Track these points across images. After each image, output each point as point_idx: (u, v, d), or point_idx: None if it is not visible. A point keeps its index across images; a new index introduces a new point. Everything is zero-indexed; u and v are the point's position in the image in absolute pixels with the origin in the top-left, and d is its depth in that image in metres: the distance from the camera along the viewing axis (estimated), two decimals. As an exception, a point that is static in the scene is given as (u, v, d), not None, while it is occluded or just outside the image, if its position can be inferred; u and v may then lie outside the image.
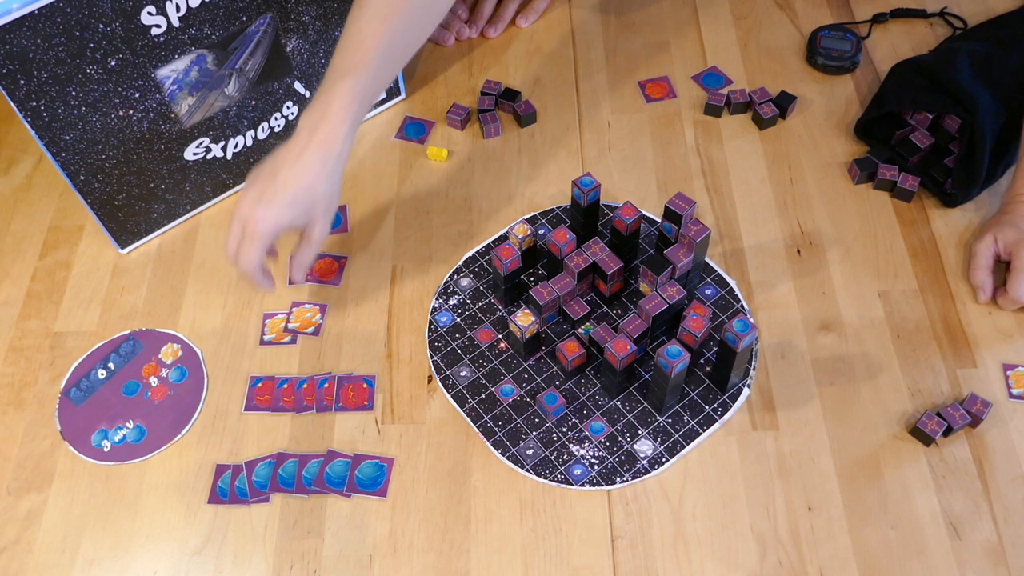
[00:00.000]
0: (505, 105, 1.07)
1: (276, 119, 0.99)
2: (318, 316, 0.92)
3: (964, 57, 0.99)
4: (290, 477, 0.82)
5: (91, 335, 0.92)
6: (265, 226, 0.80)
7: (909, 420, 0.83)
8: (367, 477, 0.81)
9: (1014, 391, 0.84)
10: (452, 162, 1.04)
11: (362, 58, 0.80)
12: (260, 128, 0.98)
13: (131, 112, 0.87)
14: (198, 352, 0.90)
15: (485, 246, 0.96)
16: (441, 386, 0.87)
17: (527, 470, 0.81)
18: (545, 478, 0.81)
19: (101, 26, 0.79)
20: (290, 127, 1.00)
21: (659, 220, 0.94)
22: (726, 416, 0.84)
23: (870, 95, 1.05)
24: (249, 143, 0.98)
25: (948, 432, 0.81)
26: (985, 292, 0.89)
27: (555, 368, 0.87)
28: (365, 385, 0.87)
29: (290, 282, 0.92)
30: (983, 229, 0.92)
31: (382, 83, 0.84)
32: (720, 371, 0.84)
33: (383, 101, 1.08)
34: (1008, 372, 0.85)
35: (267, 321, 0.92)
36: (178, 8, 0.83)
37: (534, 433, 0.83)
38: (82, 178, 0.89)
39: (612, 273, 0.87)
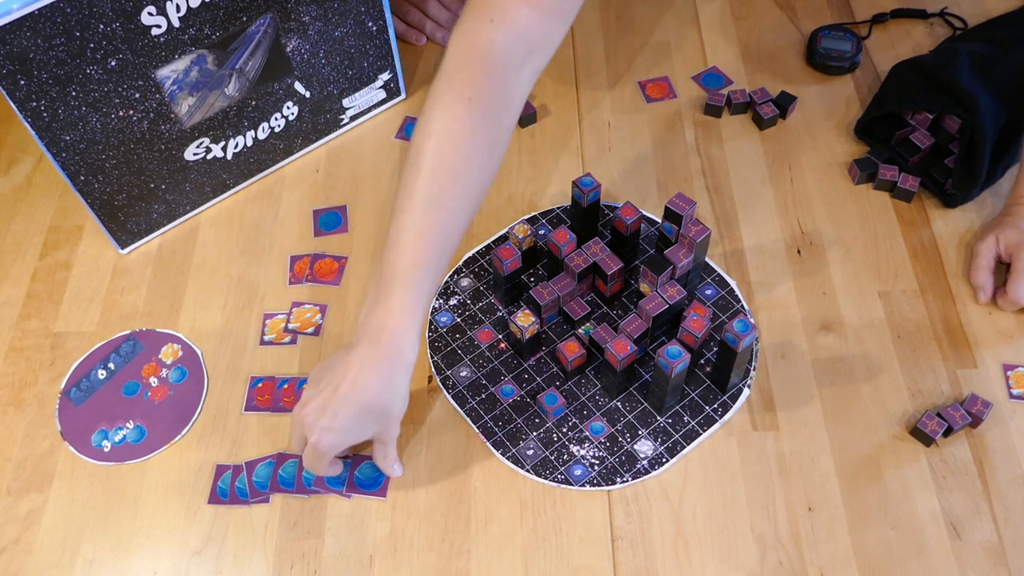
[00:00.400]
0: (505, 105, 1.07)
1: (276, 119, 0.99)
2: (318, 316, 0.92)
3: (964, 57, 0.99)
4: (290, 477, 0.82)
5: (91, 335, 0.92)
6: (329, 446, 0.74)
7: (909, 420, 0.83)
8: (367, 477, 0.81)
9: (1014, 391, 0.84)
10: (452, 162, 1.04)
11: (422, 255, 0.74)
12: (260, 128, 0.98)
13: (131, 112, 0.87)
14: (198, 352, 0.90)
15: (485, 246, 0.96)
16: (441, 386, 0.87)
17: (527, 470, 0.81)
18: (545, 478, 0.81)
19: (101, 26, 0.79)
20: (290, 127, 1.00)
21: (659, 220, 0.94)
22: (726, 416, 0.84)
23: (870, 95, 1.05)
24: (249, 143, 0.98)
25: (948, 432, 0.81)
26: (985, 293, 0.89)
27: (555, 368, 0.87)
28: (365, 385, 0.87)
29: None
30: (985, 230, 0.92)
31: (441, 273, 0.77)
32: (720, 371, 0.84)
33: (383, 101, 1.08)
34: (1008, 372, 0.85)
35: (267, 321, 0.92)
36: (178, 8, 0.83)
37: (534, 433, 0.83)
38: (82, 178, 0.89)
39: (612, 273, 0.87)
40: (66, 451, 0.85)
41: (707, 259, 0.93)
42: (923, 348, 0.87)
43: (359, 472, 0.82)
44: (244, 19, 0.88)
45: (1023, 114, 0.95)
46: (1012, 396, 0.84)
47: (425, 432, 0.84)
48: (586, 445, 0.83)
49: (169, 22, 0.83)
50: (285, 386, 0.87)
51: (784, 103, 1.05)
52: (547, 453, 0.82)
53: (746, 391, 0.85)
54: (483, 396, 0.86)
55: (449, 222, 0.76)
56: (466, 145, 0.76)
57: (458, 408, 0.85)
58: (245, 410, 0.86)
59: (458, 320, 0.91)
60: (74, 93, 0.82)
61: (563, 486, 0.81)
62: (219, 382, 0.88)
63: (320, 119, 1.03)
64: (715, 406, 0.84)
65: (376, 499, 0.80)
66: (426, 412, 0.85)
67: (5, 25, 0.74)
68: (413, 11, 1.16)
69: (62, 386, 0.89)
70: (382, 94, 1.07)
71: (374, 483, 0.81)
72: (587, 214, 0.92)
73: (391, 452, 0.79)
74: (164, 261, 0.97)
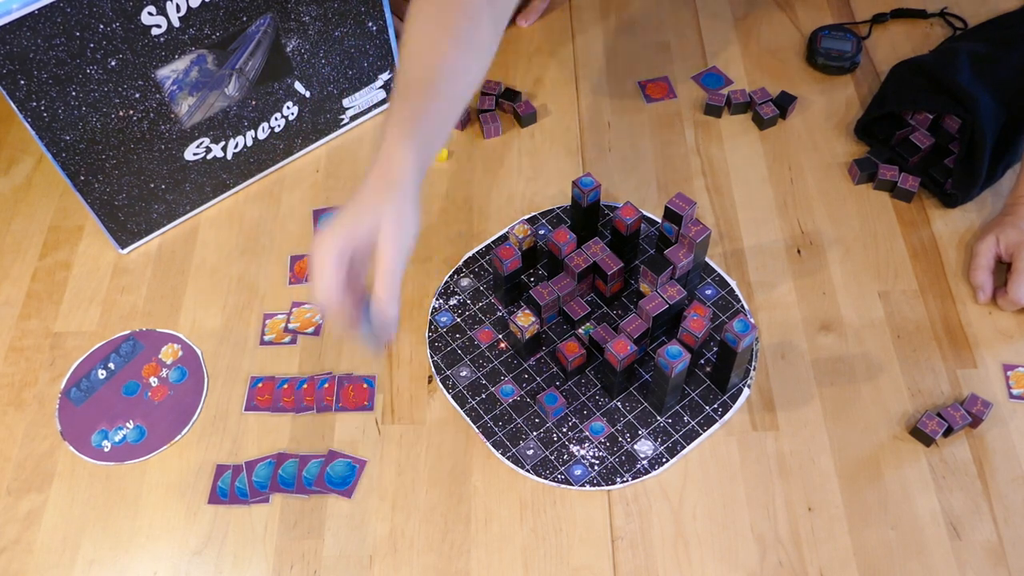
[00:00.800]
0: (505, 105, 1.07)
1: (276, 119, 0.99)
2: (318, 316, 0.92)
3: (964, 57, 0.99)
4: (290, 477, 0.82)
5: (91, 335, 0.92)
6: (321, 245, 0.69)
7: (909, 420, 0.83)
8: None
9: (1014, 391, 0.84)
10: (452, 162, 1.04)
11: (411, 84, 0.76)
12: (260, 128, 0.98)
13: (131, 112, 0.87)
14: (198, 352, 0.90)
15: (485, 246, 0.96)
16: (441, 386, 0.87)
17: (527, 470, 0.81)
18: (545, 478, 0.81)
19: (101, 26, 0.79)
20: (290, 127, 1.00)
21: (659, 220, 0.94)
22: (726, 416, 0.84)
23: (870, 95, 1.05)
24: (249, 143, 0.98)
25: (948, 432, 0.81)
26: (985, 292, 0.89)
27: (555, 368, 0.87)
28: (365, 385, 0.87)
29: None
30: (985, 229, 0.92)
31: (440, 108, 0.77)
32: (720, 371, 0.84)
33: (383, 101, 1.08)
34: (1008, 372, 0.85)
35: (267, 321, 0.92)
36: (178, 8, 0.83)
37: (534, 433, 0.83)
38: (82, 178, 0.89)
39: (612, 273, 0.87)
40: (66, 451, 0.85)
41: (707, 259, 0.93)
42: (923, 348, 0.87)
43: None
44: (244, 19, 0.88)
45: (1023, 114, 0.95)
46: (1012, 396, 0.84)
47: (425, 432, 0.84)
48: (586, 445, 0.83)
49: (169, 22, 0.83)
50: (285, 386, 0.87)
51: (784, 103, 1.05)
52: (547, 453, 0.82)
53: (746, 391, 0.85)
54: (483, 396, 0.86)
55: (444, 58, 0.77)
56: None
57: (458, 408, 0.85)
58: (245, 410, 0.86)
59: (458, 320, 0.91)
60: (74, 93, 0.82)
61: (563, 486, 0.81)
62: (219, 382, 0.88)
63: (320, 119, 1.03)
64: (715, 406, 0.84)
65: (376, 499, 0.80)
66: (426, 412, 0.85)
67: (5, 25, 0.74)
68: (413, 11, 1.16)
69: (62, 386, 0.89)
70: (382, 94, 1.07)
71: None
72: (587, 214, 0.92)
73: (381, 286, 0.69)
74: (164, 261, 0.97)
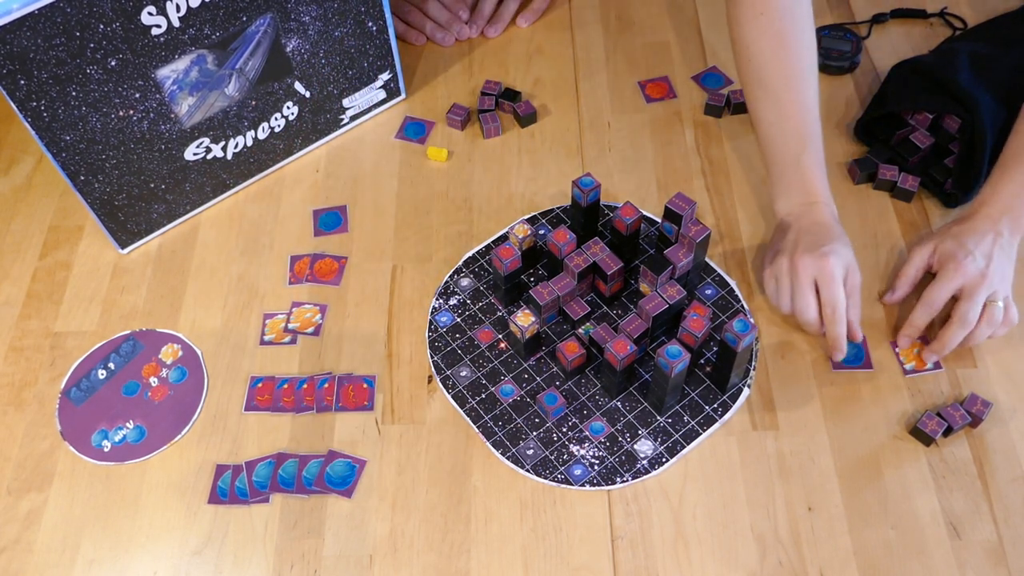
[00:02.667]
0: (505, 105, 1.07)
1: (276, 119, 0.99)
2: (318, 316, 0.92)
3: (964, 57, 0.99)
4: (290, 477, 0.82)
5: (91, 335, 0.92)
6: (837, 265, 0.81)
7: (909, 420, 0.83)
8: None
9: (907, 366, 0.86)
10: (452, 162, 1.04)
11: (807, 126, 0.88)
12: (260, 128, 0.98)
13: (131, 112, 0.87)
14: (198, 352, 0.90)
15: (485, 246, 0.96)
16: (441, 386, 0.87)
17: (527, 470, 0.81)
18: (545, 478, 0.81)
19: (101, 26, 0.79)
20: (290, 127, 1.00)
21: (659, 220, 0.94)
22: (726, 416, 0.84)
23: (870, 95, 1.05)
24: (249, 143, 0.99)
25: (948, 432, 0.81)
26: (894, 297, 0.88)
27: (555, 368, 0.87)
28: (365, 385, 0.87)
29: (857, 338, 0.85)
30: (926, 237, 0.89)
31: (818, 134, 0.90)
32: (720, 371, 0.84)
33: (383, 101, 1.08)
34: (896, 349, 0.87)
35: (267, 321, 0.92)
36: (178, 8, 0.83)
37: (534, 433, 0.83)
38: (82, 178, 0.89)
39: (612, 273, 0.87)
40: (66, 451, 0.85)
41: (707, 259, 0.93)
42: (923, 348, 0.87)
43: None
44: (244, 19, 0.88)
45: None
46: (906, 372, 0.85)
47: (425, 432, 0.84)
48: (586, 445, 0.83)
49: (169, 22, 0.83)
50: (285, 386, 0.87)
51: (784, 103, 1.04)
52: (547, 453, 0.82)
53: (746, 391, 0.85)
54: (483, 396, 0.86)
55: (811, 97, 0.90)
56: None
57: (458, 408, 0.85)
58: (245, 410, 0.86)
59: (458, 320, 0.91)
60: (74, 93, 0.82)
61: (563, 486, 0.81)
62: (219, 382, 0.88)
63: (320, 119, 1.03)
64: (715, 406, 0.84)
65: (376, 499, 0.80)
66: (426, 412, 0.85)
67: (5, 25, 0.74)
68: (413, 11, 1.16)
69: (62, 386, 0.89)
70: (382, 94, 1.07)
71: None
72: (587, 214, 0.92)
73: (856, 306, 0.84)
74: (164, 261, 0.97)
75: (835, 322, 0.82)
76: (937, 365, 0.85)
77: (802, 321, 0.84)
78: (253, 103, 0.95)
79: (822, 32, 1.10)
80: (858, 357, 0.86)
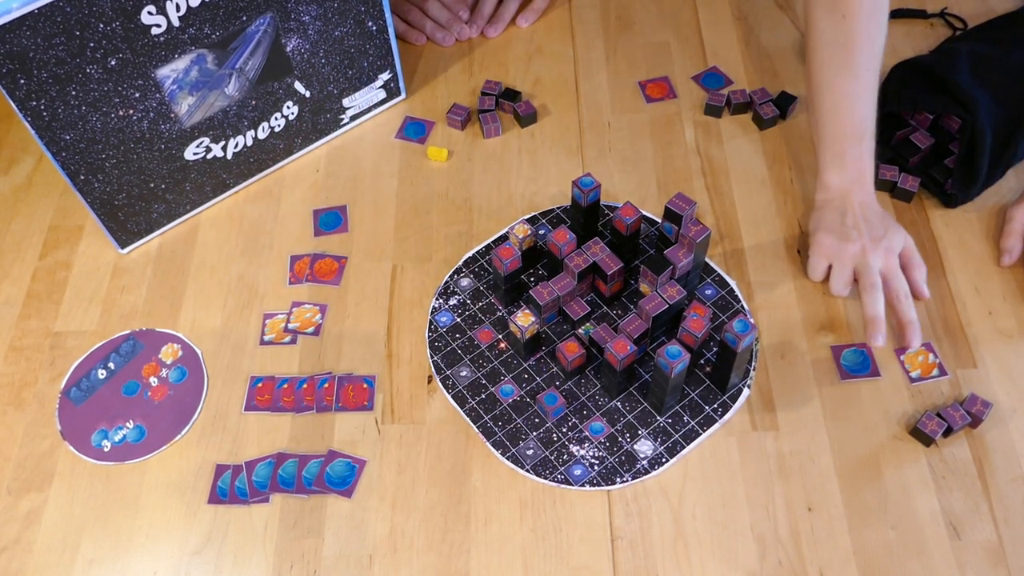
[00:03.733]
0: (505, 105, 1.07)
1: (276, 119, 0.99)
2: (318, 316, 0.92)
3: (964, 57, 0.99)
4: (290, 477, 0.82)
5: (91, 335, 0.92)
6: (894, 257, 0.88)
7: (909, 420, 0.83)
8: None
9: (912, 374, 0.86)
10: (452, 162, 1.04)
11: (868, 123, 0.91)
12: (260, 128, 0.98)
13: (131, 112, 0.87)
14: (198, 352, 0.90)
15: (485, 246, 0.96)
16: (441, 386, 0.87)
17: (527, 470, 0.81)
18: (545, 478, 0.81)
19: (101, 26, 0.79)
20: (290, 127, 1.00)
21: (659, 220, 0.94)
22: (726, 416, 0.84)
23: (870, 95, 1.05)
24: (249, 143, 0.99)
25: (948, 432, 0.81)
26: (1011, 257, 0.91)
27: (555, 368, 0.87)
28: (365, 385, 0.87)
29: (925, 296, 0.90)
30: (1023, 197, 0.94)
31: (872, 120, 0.92)
32: (720, 371, 0.84)
33: (383, 101, 1.08)
34: (901, 356, 0.86)
35: (267, 321, 0.92)
36: (178, 8, 0.83)
37: (534, 433, 0.83)
38: (82, 178, 0.89)
39: (612, 273, 0.87)
40: (66, 451, 0.85)
41: (707, 259, 0.93)
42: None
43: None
44: (244, 19, 0.88)
45: (1023, 114, 0.95)
46: (912, 380, 0.85)
47: (425, 432, 0.84)
48: (586, 445, 0.83)
49: (169, 21, 0.83)
50: (285, 386, 0.87)
51: (784, 103, 1.05)
52: (547, 453, 0.82)
53: (746, 391, 0.85)
54: (483, 396, 0.86)
55: (869, 92, 0.92)
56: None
57: (458, 408, 0.85)
58: (245, 410, 0.86)
59: (458, 320, 0.91)
60: (74, 92, 0.82)
61: (563, 486, 0.81)
62: (219, 382, 0.88)
63: (320, 119, 1.03)
64: (715, 406, 0.84)
65: (376, 499, 0.80)
66: (426, 412, 0.85)
67: (5, 25, 0.74)
68: (413, 11, 1.16)
69: (62, 386, 0.89)
70: (382, 94, 1.07)
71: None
72: (587, 214, 0.92)
73: (922, 270, 0.89)
74: (164, 261, 0.97)
75: (909, 308, 0.87)
76: (942, 371, 0.85)
77: (868, 314, 0.86)
78: (253, 103, 0.95)
79: (822, 32, 1.10)
80: (864, 366, 0.86)
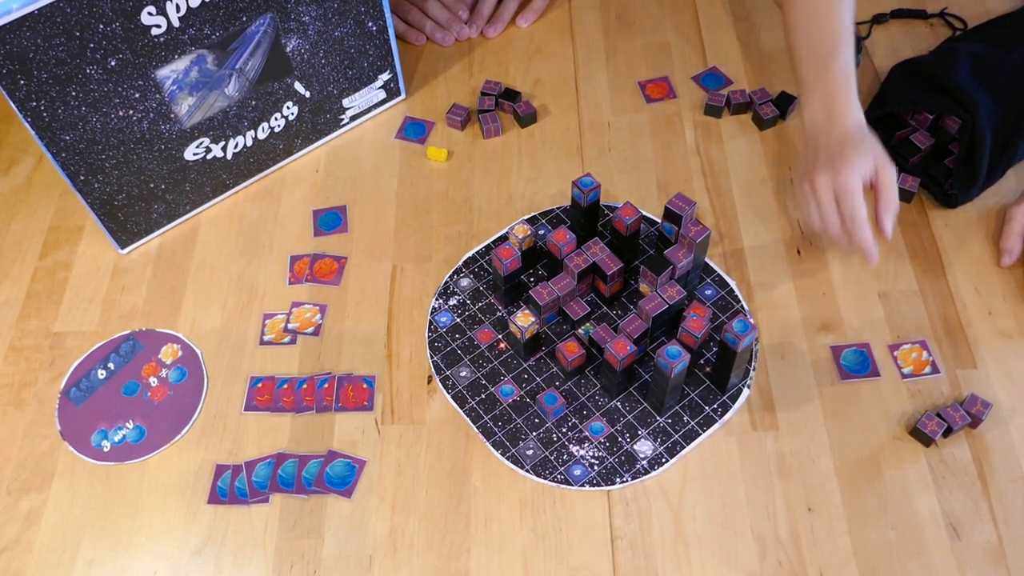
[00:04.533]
0: (505, 105, 1.07)
1: (276, 119, 0.99)
2: (318, 316, 0.92)
3: (964, 57, 0.99)
4: (290, 477, 0.82)
5: (91, 335, 0.92)
6: (852, 176, 0.82)
7: (909, 420, 0.83)
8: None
9: (904, 370, 0.85)
10: (452, 162, 1.04)
11: (837, 31, 0.89)
12: (260, 128, 0.98)
13: (131, 112, 0.87)
14: (198, 352, 0.90)
15: (485, 246, 0.96)
16: (441, 386, 0.87)
17: (527, 470, 0.81)
18: (545, 478, 0.81)
19: (101, 26, 0.79)
20: (290, 127, 1.00)
21: (659, 220, 0.94)
22: (726, 416, 0.84)
23: (870, 95, 1.05)
24: (249, 143, 0.99)
25: (948, 433, 0.81)
26: (1012, 256, 0.91)
27: (555, 368, 0.87)
28: (365, 385, 0.87)
29: (885, 234, 0.85)
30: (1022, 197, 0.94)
31: (850, 53, 0.90)
32: (720, 371, 0.84)
33: (383, 101, 1.08)
34: (895, 352, 0.86)
35: (267, 321, 0.92)
36: (178, 8, 0.83)
37: (534, 433, 0.83)
38: (82, 178, 0.89)
39: (612, 273, 0.87)
40: (66, 451, 0.85)
41: (707, 259, 0.93)
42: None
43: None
44: (244, 19, 0.88)
45: (1023, 114, 0.95)
46: (904, 376, 0.85)
47: (425, 432, 0.84)
48: (586, 445, 0.83)
49: (169, 22, 0.83)
50: (285, 386, 0.87)
51: (784, 103, 1.05)
52: (547, 453, 0.82)
53: (746, 391, 0.85)
54: (483, 396, 0.86)
55: (843, 9, 0.90)
56: None
57: (458, 408, 0.85)
58: (245, 410, 0.86)
59: (458, 320, 0.91)
60: (74, 93, 0.82)
61: (563, 486, 0.81)
62: (219, 382, 0.88)
63: (320, 119, 1.03)
64: (715, 406, 0.84)
65: (376, 499, 0.81)
66: (426, 412, 0.85)
67: (5, 25, 0.74)
68: (413, 11, 1.16)
69: (62, 386, 0.89)
70: (382, 94, 1.07)
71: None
72: (587, 214, 0.92)
73: (893, 197, 0.84)
74: (164, 261, 0.97)
75: (856, 229, 0.83)
76: (935, 369, 0.85)
77: (831, 237, 0.85)
78: (253, 103, 0.95)
79: (822, 32, 1.10)
80: (864, 366, 0.86)
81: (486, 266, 0.95)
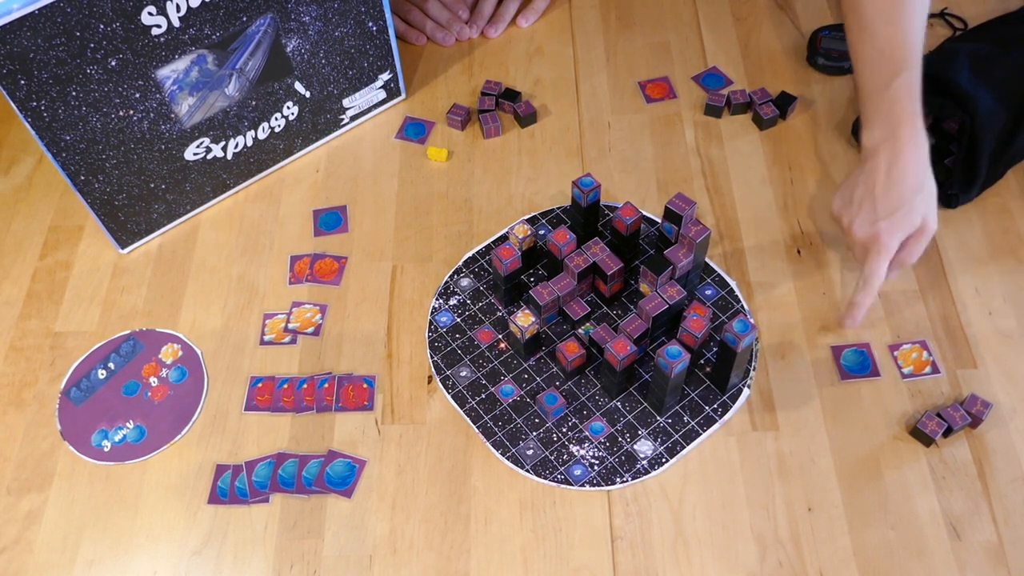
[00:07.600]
0: (505, 105, 1.07)
1: (276, 119, 0.99)
2: (318, 316, 0.92)
3: (964, 57, 0.99)
4: (290, 477, 0.82)
5: (91, 335, 0.92)
6: (891, 241, 0.82)
7: (909, 420, 0.83)
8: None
9: (904, 370, 0.85)
10: (452, 162, 1.04)
11: (903, 55, 0.84)
12: (260, 128, 0.98)
13: (131, 112, 0.87)
14: (198, 352, 0.90)
15: (485, 246, 0.96)
16: (441, 386, 0.87)
17: (527, 470, 0.81)
18: (545, 478, 0.81)
19: (101, 26, 0.79)
20: (290, 127, 1.00)
21: (659, 220, 0.94)
22: (726, 416, 0.84)
23: (870, 95, 1.05)
24: (249, 143, 0.99)
25: (948, 433, 0.81)
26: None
27: (555, 368, 0.87)
28: (365, 385, 0.87)
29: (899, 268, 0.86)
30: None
31: (918, 67, 0.85)
32: (720, 371, 0.84)
33: (383, 101, 1.08)
34: (895, 352, 0.86)
35: (267, 321, 0.92)
36: (178, 8, 0.83)
37: (534, 433, 0.83)
38: (82, 178, 0.89)
39: (612, 273, 0.87)
40: (66, 451, 0.85)
41: (707, 259, 0.93)
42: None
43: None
44: (244, 19, 0.88)
45: (1023, 114, 0.95)
46: (904, 376, 0.85)
47: (425, 432, 0.84)
48: (586, 445, 0.83)
49: (169, 22, 0.83)
50: (285, 386, 0.87)
51: (784, 103, 1.05)
52: (547, 453, 0.82)
53: (746, 391, 0.85)
54: (483, 396, 0.86)
55: (914, 21, 0.85)
56: None
57: (458, 408, 0.85)
58: (245, 410, 0.86)
59: (458, 320, 0.91)
60: (74, 93, 0.82)
61: (563, 486, 0.81)
62: (219, 382, 0.88)
63: (320, 119, 1.03)
64: (715, 406, 0.84)
65: (376, 499, 0.81)
66: (426, 412, 0.85)
67: (5, 25, 0.74)
68: (414, 11, 1.16)
69: (62, 386, 0.89)
70: (382, 94, 1.07)
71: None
72: (587, 214, 0.92)
73: (923, 246, 0.84)
74: (164, 261, 0.97)
75: (862, 292, 0.84)
76: (935, 369, 0.85)
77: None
78: (253, 103, 0.95)
79: (822, 32, 1.10)
80: (864, 366, 0.86)
81: (486, 266, 0.95)
